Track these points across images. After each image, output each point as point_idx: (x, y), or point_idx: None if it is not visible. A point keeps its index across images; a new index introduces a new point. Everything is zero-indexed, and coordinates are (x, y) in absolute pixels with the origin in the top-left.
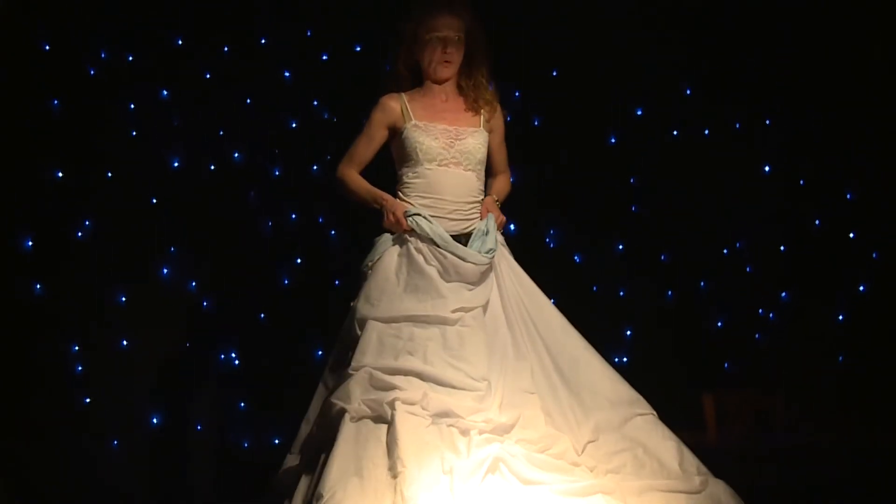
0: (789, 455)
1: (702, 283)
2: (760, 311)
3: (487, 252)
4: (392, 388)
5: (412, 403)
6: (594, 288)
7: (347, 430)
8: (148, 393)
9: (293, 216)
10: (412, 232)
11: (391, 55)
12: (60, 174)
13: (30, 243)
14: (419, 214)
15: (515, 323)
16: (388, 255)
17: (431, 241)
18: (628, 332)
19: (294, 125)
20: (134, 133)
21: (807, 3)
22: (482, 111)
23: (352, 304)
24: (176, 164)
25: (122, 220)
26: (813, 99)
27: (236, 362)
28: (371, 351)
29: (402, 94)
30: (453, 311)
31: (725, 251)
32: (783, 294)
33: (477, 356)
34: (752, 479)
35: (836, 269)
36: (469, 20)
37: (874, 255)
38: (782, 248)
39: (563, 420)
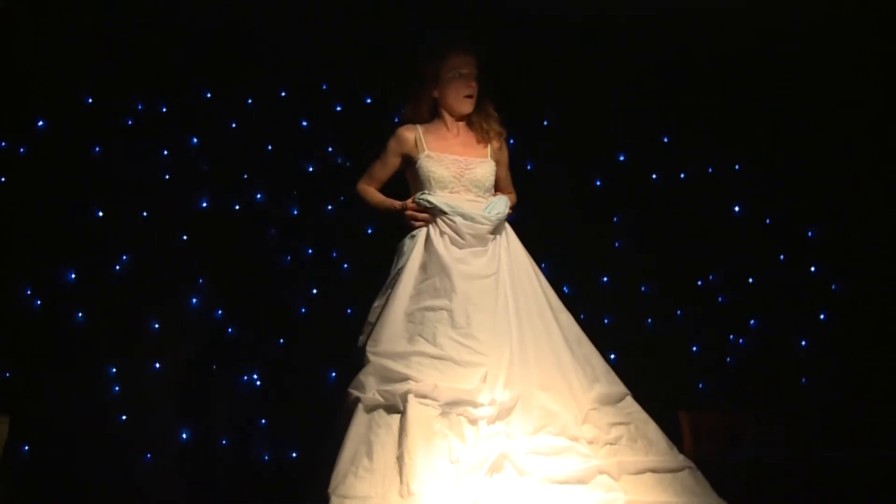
0: (758, 469)
1: (678, 312)
2: (731, 337)
3: (494, 214)
4: (405, 378)
5: (424, 396)
6: (581, 316)
7: (360, 418)
8: (178, 410)
9: (309, 251)
10: (427, 217)
11: (412, 93)
12: (101, 213)
13: (73, 276)
14: (425, 193)
15: (524, 294)
16: (411, 261)
17: (441, 212)
18: (612, 356)
19: (311, 169)
20: (167, 176)
21: (771, 61)
22: (490, 143)
23: (374, 305)
24: (204, 205)
25: (156, 254)
26: (778, 148)
27: (258, 383)
28: (385, 338)
29: (418, 126)
30: (461, 280)
31: (700, 283)
32: (752, 321)
33: (483, 332)
34: (724, 491)
35: (798, 299)
36: (478, 58)
37: (833, 287)
38: (751, 280)
39: (569, 386)
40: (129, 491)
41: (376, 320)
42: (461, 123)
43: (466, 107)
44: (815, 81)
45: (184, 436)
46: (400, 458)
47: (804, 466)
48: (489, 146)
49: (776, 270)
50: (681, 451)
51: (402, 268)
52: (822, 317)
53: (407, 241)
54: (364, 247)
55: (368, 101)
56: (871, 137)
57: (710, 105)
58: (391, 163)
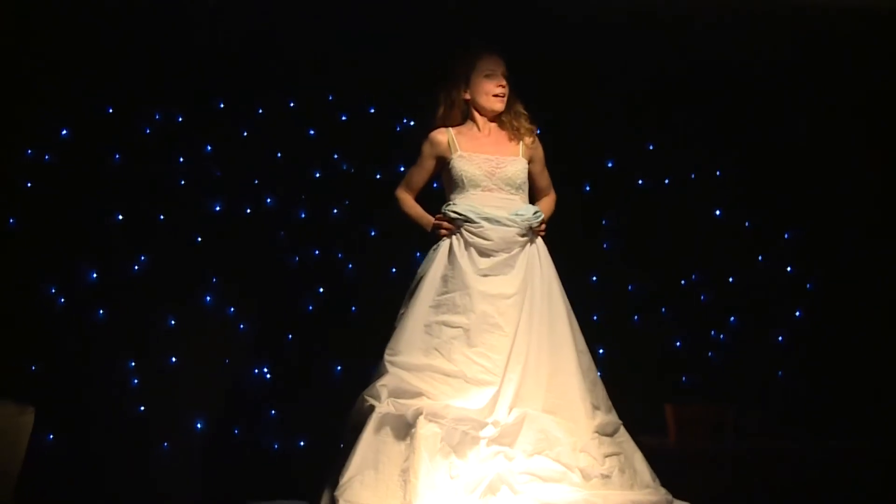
0: (738, 458)
1: (663, 310)
2: (713, 332)
3: (521, 218)
4: (419, 394)
5: (434, 414)
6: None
7: (372, 426)
8: (193, 402)
9: (316, 252)
10: (456, 228)
11: (443, 97)
12: (120, 217)
13: (94, 275)
14: (451, 204)
15: (546, 316)
16: (433, 271)
17: (467, 220)
18: (601, 351)
19: (317, 175)
20: (182, 182)
21: (749, 75)
22: (522, 140)
23: (400, 312)
24: (217, 209)
25: (172, 255)
26: (756, 156)
27: (268, 376)
28: (403, 348)
29: (450, 128)
30: (481, 300)
31: (683, 282)
32: (731, 319)
33: (498, 352)
34: (705, 478)
35: (776, 297)
36: (506, 63)
37: (808, 286)
38: (731, 279)
39: (573, 414)
40: (147, 476)
41: (398, 326)
42: (493, 124)
43: (497, 105)
44: (790, 94)
45: (198, 425)
46: (404, 473)
47: (780, 454)
48: (521, 144)
49: (754, 270)
50: (666, 439)
51: (423, 277)
52: (797, 313)
53: (431, 251)
54: (368, 248)
55: (371, 110)
56: (841, 148)
57: (692, 115)
58: (427, 166)
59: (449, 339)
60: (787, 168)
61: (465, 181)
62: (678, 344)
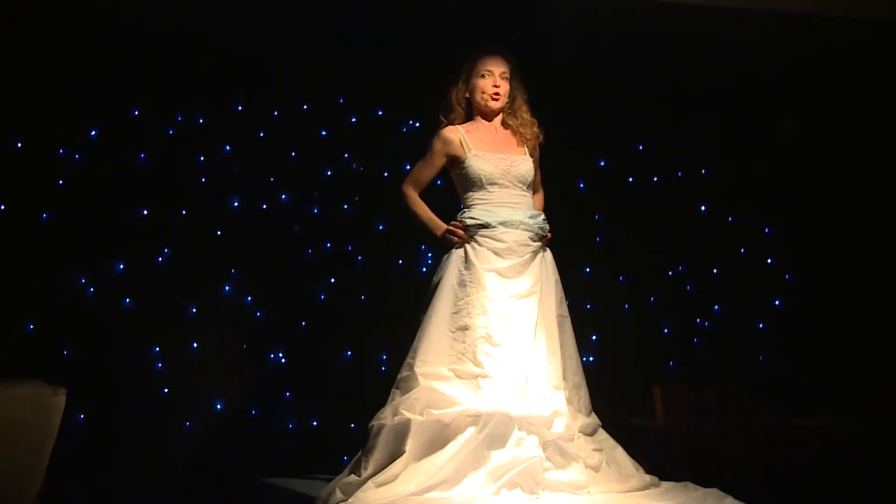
0: (720, 437)
1: (651, 299)
2: (698, 320)
3: (534, 221)
4: (452, 403)
5: (471, 419)
6: (567, 302)
7: (413, 438)
8: (213, 384)
9: (328, 245)
10: (469, 236)
11: (447, 94)
12: (146, 212)
13: (121, 266)
14: (465, 212)
15: (549, 319)
16: (449, 277)
17: (482, 226)
18: (594, 337)
19: (329, 173)
20: (203, 179)
21: (733, 78)
22: (526, 143)
23: (421, 318)
24: (236, 204)
25: (194, 248)
26: (738, 155)
27: (283, 360)
28: (432, 358)
29: (458, 127)
30: (500, 301)
31: (670, 273)
32: (716, 307)
33: (517, 349)
34: (691, 455)
35: (757, 287)
36: (512, 64)
37: (787, 277)
38: (715, 270)
39: (570, 409)
40: (171, 454)
41: (418, 333)
42: (498, 125)
43: (491, 103)
44: (771, 97)
45: (218, 406)
46: (436, 476)
47: (760, 434)
48: (525, 146)
49: (737, 262)
50: (654, 419)
51: (439, 283)
52: (776, 303)
53: (445, 258)
54: (376, 242)
55: (379, 113)
56: (819, 146)
57: (679, 117)
58: (437, 163)
59: (473, 342)
60: (768, 167)
61: (483, 180)
62: (666, 331)
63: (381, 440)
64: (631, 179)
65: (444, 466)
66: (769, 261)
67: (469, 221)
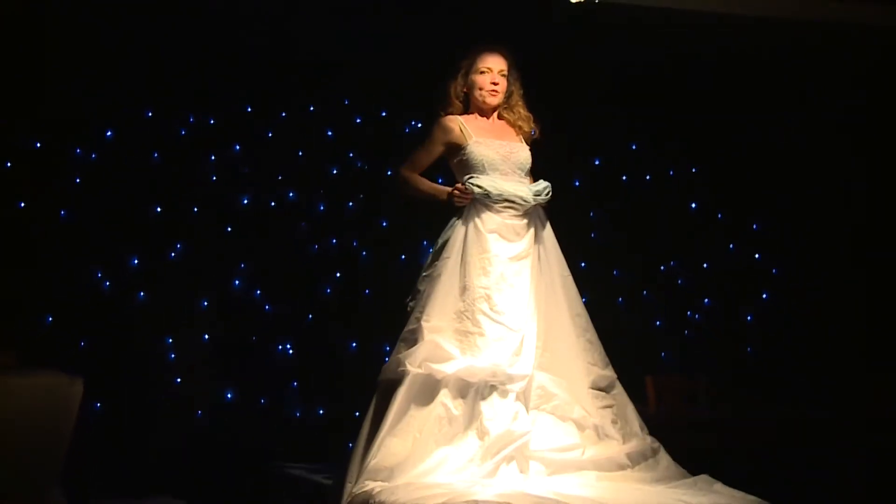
0: (710, 425)
1: (644, 292)
2: (689, 313)
3: (534, 195)
4: (450, 358)
5: (465, 375)
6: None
7: (405, 389)
8: (224, 375)
9: (333, 241)
10: (474, 200)
11: (447, 86)
12: (159, 209)
13: (136, 261)
14: (473, 176)
15: (551, 278)
16: (456, 238)
17: (487, 195)
18: None
19: (334, 172)
20: (214, 178)
21: (723, 79)
22: (523, 136)
23: (423, 274)
24: (245, 202)
25: (205, 243)
26: (728, 154)
27: (290, 352)
28: (436, 314)
29: (458, 116)
30: (499, 262)
31: (662, 268)
32: (706, 300)
33: (515, 310)
34: (682, 442)
35: (745, 281)
36: (510, 61)
37: (773, 271)
38: (705, 265)
39: (570, 371)
40: (182, 443)
41: (424, 290)
42: (495, 118)
43: (489, 98)
44: (760, 98)
45: (229, 396)
46: (437, 433)
47: (747, 421)
48: (521, 136)
49: (726, 257)
50: (647, 408)
51: (446, 242)
52: (764, 296)
53: (451, 221)
54: (379, 238)
55: (383, 114)
56: (807, 145)
57: (671, 117)
58: (435, 151)
59: (472, 301)
60: (757, 166)
61: (484, 165)
62: (658, 323)
63: (380, 392)
64: (624, 178)
65: (434, 424)
66: (757, 256)
67: (475, 189)
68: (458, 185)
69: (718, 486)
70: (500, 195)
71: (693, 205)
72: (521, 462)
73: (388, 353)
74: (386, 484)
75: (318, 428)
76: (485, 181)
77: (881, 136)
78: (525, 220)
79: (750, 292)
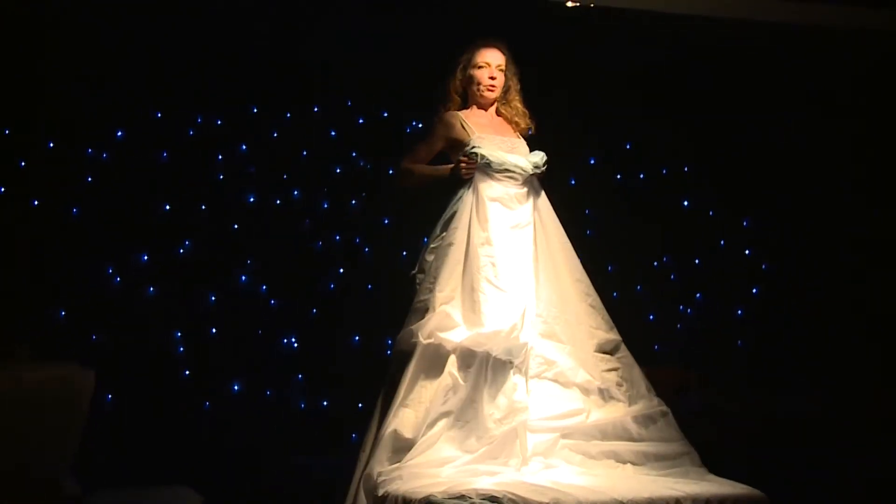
0: (700, 415)
1: (638, 287)
2: (681, 307)
3: (532, 165)
4: (456, 326)
5: (472, 345)
6: None
7: (417, 359)
8: (231, 367)
9: (337, 237)
10: (476, 169)
11: (446, 82)
12: (168, 207)
13: (146, 257)
14: (475, 147)
15: (552, 245)
16: (464, 208)
17: (489, 164)
18: None
19: (338, 171)
20: (221, 177)
21: (715, 78)
22: (520, 132)
23: (431, 245)
24: (251, 200)
25: (213, 240)
26: (719, 153)
27: (295, 345)
28: (444, 283)
29: (458, 112)
30: (503, 231)
31: (655, 263)
32: (698, 295)
33: (518, 278)
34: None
35: (735, 276)
36: (507, 58)
37: (763, 267)
38: (697, 261)
39: (573, 337)
40: (191, 433)
41: (434, 261)
42: (492, 112)
43: (486, 93)
44: (751, 97)
45: (235, 388)
46: (444, 405)
47: (737, 411)
48: (518, 132)
49: (717, 253)
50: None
51: (455, 212)
52: (754, 291)
53: (460, 190)
54: (382, 235)
55: (384, 115)
56: (798, 143)
57: (664, 117)
58: (436, 146)
59: (480, 270)
60: (747, 164)
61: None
62: (651, 317)
63: (398, 365)
64: (619, 176)
65: (440, 394)
66: (747, 252)
67: (476, 156)
68: (462, 158)
69: (708, 475)
70: (501, 164)
71: (685, 202)
72: (522, 434)
73: (390, 347)
74: (392, 467)
75: (322, 419)
76: (486, 149)
77: (881, 136)
78: (525, 189)
79: (741, 287)
